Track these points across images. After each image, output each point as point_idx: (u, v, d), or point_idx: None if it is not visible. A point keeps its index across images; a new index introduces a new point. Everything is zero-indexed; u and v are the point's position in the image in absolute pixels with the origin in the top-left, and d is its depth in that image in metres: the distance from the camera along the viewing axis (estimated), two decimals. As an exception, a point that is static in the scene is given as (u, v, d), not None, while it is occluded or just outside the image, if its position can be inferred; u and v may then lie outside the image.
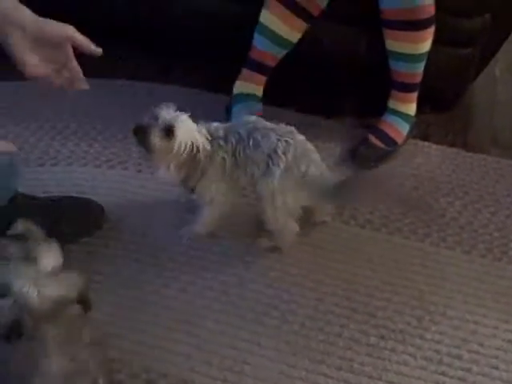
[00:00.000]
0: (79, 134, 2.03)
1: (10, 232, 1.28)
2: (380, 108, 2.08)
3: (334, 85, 2.18)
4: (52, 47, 1.25)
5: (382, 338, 1.58)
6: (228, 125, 1.65)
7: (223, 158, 1.61)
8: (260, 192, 1.64)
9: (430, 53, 1.95)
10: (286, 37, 1.99)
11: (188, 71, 2.26)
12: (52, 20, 1.23)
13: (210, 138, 1.59)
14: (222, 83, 2.11)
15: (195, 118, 1.59)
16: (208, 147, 1.59)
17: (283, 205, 1.62)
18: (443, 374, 1.52)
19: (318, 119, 2.15)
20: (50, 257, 1.25)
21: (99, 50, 1.29)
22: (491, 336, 1.60)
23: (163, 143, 1.53)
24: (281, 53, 2.03)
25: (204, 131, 1.59)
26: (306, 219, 1.73)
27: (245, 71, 2.08)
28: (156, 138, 1.53)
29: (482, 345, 1.58)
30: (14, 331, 1.12)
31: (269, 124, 1.64)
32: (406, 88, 2.03)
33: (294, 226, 1.69)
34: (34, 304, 1.13)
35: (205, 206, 1.71)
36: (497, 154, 2.10)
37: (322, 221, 1.81)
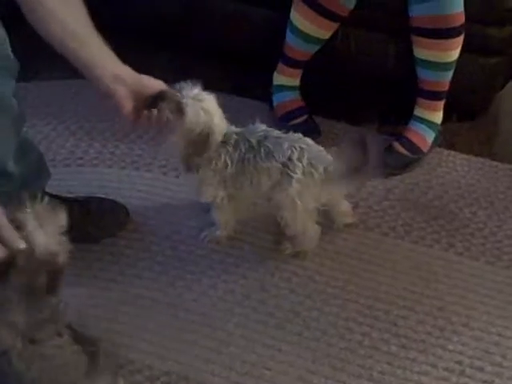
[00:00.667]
0: (106, 135, 2.05)
1: None
2: (406, 116, 2.07)
3: (361, 92, 2.18)
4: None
5: (403, 347, 1.57)
6: (241, 130, 1.62)
7: (225, 162, 1.59)
8: (278, 201, 1.63)
9: (458, 61, 1.94)
10: (315, 35, 2.00)
11: (216, 75, 2.27)
12: (145, 75, 1.43)
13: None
14: (250, 87, 2.13)
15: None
16: (234, 136, 1.58)
17: (303, 209, 1.62)
18: (465, 385, 1.51)
19: (344, 126, 2.14)
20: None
21: None
22: (514, 348, 1.59)
23: (173, 117, 1.51)
24: (313, 49, 2.05)
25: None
26: (329, 226, 1.73)
27: (280, 65, 2.13)
28: (168, 112, 1.50)
29: (504, 357, 1.56)
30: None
31: (279, 132, 1.64)
32: (433, 96, 2.02)
33: (316, 228, 1.69)
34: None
35: (212, 209, 1.71)
36: (523, 165, 2.08)
37: (344, 224, 1.80)
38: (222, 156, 1.59)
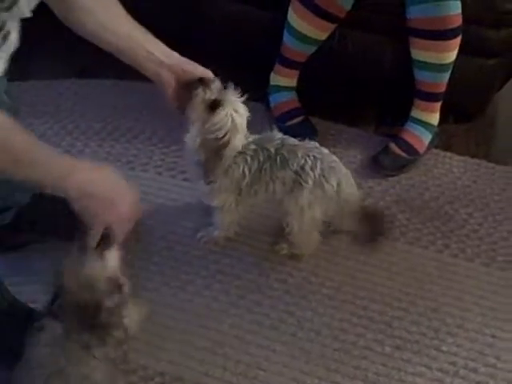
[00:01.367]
0: (102, 135, 2.05)
1: None
2: (403, 117, 2.07)
3: (358, 93, 2.18)
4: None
5: (398, 348, 1.58)
6: (258, 139, 1.62)
7: (243, 172, 1.60)
8: (287, 208, 1.64)
9: (456, 63, 1.94)
10: (312, 36, 2.00)
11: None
12: (192, 61, 1.47)
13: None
14: (246, 87, 2.12)
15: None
16: (252, 146, 1.58)
17: (311, 220, 1.63)
18: (459, 386, 1.52)
19: (341, 127, 2.15)
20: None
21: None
22: (508, 350, 1.59)
23: (202, 109, 1.51)
24: (310, 50, 2.05)
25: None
26: (326, 227, 1.73)
27: (277, 65, 2.13)
28: (201, 101, 1.50)
29: (498, 358, 1.57)
30: None
31: (295, 140, 1.64)
32: (430, 97, 2.02)
33: (317, 237, 1.70)
34: None
35: (216, 210, 1.71)
36: (519, 166, 2.08)
37: (341, 230, 1.80)
38: (241, 166, 1.59)
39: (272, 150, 1.60)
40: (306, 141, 1.65)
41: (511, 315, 1.65)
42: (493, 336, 1.61)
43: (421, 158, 2.05)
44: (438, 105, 2.05)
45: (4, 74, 1.37)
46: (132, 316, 1.29)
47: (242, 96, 1.53)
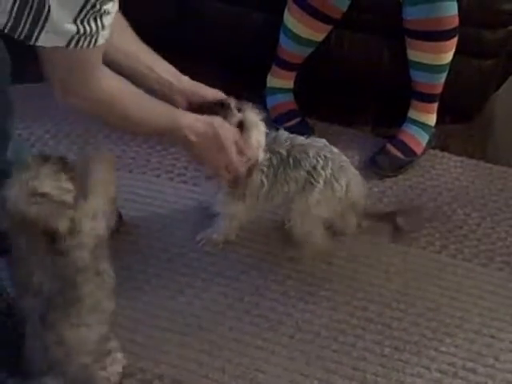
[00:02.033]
0: (99, 138, 2.05)
1: None
2: (400, 118, 2.08)
3: (355, 94, 2.19)
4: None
5: (397, 349, 1.57)
6: (268, 143, 1.61)
7: (261, 182, 1.60)
8: (295, 207, 1.64)
9: (452, 63, 1.94)
10: (308, 37, 2.01)
11: (209, 77, 2.27)
12: (202, 84, 1.52)
13: None
14: (243, 89, 2.12)
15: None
16: (267, 156, 1.59)
17: (317, 218, 1.63)
18: (458, 387, 1.51)
19: (338, 128, 2.15)
20: None
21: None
22: (507, 350, 1.58)
23: None
24: (306, 51, 2.05)
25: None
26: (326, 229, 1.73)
27: (274, 67, 2.13)
28: (230, 120, 1.50)
29: (497, 359, 1.56)
30: None
31: (302, 138, 1.64)
32: (427, 98, 2.02)
33: (323, 236, 1.69)
34: None
35: (223, 216, 1.71)
36: (517, 167, 2.08)
37: (342, 232, 1.79)
38: (258, 176, 1.60)
39: (284, 152, 1.60)
40: (313, 138, 1.66)
41: (510, 316, 1.65)
42: (492, 336, 1.61)
43: (418, 158, 2.05)
44: (435, 105, 2.05)
45: None
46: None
47: (259, 113, 1.56)
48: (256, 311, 1.63)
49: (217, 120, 1.45)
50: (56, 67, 1.20)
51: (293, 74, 2.12)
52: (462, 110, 2.18)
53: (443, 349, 1.58)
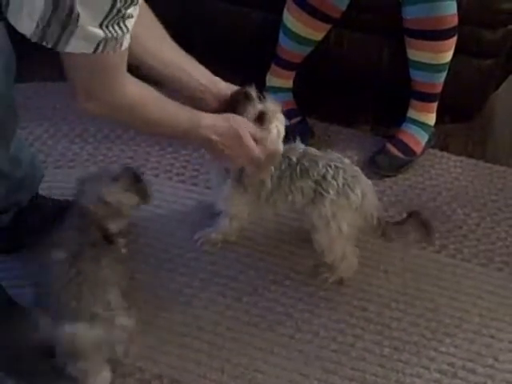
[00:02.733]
0: (98, 137, 2.05)
1: None
2: (399, 117, 2.07)
3: (354, 93, 2.18)
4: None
5: (396, 349, 1.57)
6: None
7: (262, 182, 1.58)
8: (311, 221, 1.60)
9: (452, 63, 1.94)
10: (307, 37, 2.00)
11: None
12: (231, 84, 1.53)
13: None
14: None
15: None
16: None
17: (338, 232, 1.58)
18: (457, 387, 1.51)
19: (338, 127, 2.15)
20: None
21: None
22: (507, 350, 1.58)
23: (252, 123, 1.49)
24: (306, 51, 2.05)
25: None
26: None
27: (273, 66, 2.12)
28: (249, 115, 1.48)
29: (496, 359, 1.56)
30: None
31: (317, 151, 1.62)
32: (426, 98, 2.02)
33: (354, 251, 1.66)
34: None
35: (224, 217, 1.70)
36: (516, 166, 2.08)
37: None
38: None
39: (294, 158, 1.58)
40: (328, 151, 1.63)
41: (509, 316, 1.65)
42: (491, 337, 1.60)
43: (418, 158, 2.05)
44: (435, 105, 2.04)
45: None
46: None
47: (279, 105, 1.54)
48: (255, 311, 1.62)
49: (232, 116, 1.46)
50: (80, 73, 1.20)
51: (292, 74, 2.12)
52: (461, 109, 2.18)
53: (443, 349, 1.57)
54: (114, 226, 1.44)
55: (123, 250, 1.47)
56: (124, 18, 1.12)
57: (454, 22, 1.86)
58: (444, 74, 1.96)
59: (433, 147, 2.09)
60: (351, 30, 2.08)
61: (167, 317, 1.60)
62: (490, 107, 2.26)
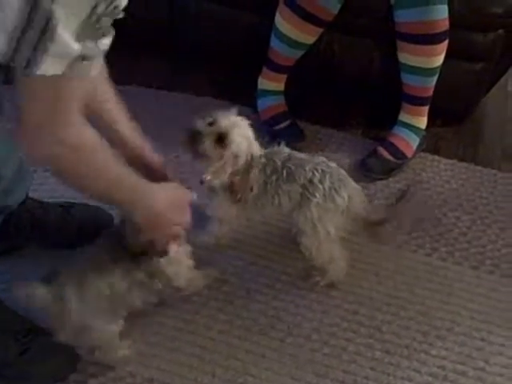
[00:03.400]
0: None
1: None
2: (390, 120, 2.08)
3: (345, 97, 2.19)
4: None
5: (387, 352, 1.57)
6: (266, 153, 1.59)
7: (251, 187, 1.57)
8: (298, 225, 1.60)
9: (443, 67, 1.94)
10: (299, 40, 2.00)
11: (200, 79, 2.27)
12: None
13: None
14: (234, 92, 2.13)
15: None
16: (262, 160, 1.56)
17: (325, 236, 1.58)
18: (448, 390, 1.51)
19: (329, 130, 2.15)
20: None
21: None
22: (497, 353, 1.59)
23: (216, 151, 1.49)
24: (297, 54, 2.05)
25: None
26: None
27: (265, 70, 2.12)
28: (209, 146, 1.48)
29: (487, 362, 1.57)
30: None
31: (303, 155, 1.62)
32: (418, 101, 2.02)
33: (343, 254, 1.66)
34: None
35: (214, 219, 1.70)
36: (507, 169, 2.08)
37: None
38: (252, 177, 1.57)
39: (278, 162, 1.57)
40: (315, 156, 1.62)
41: (500, 318, 1.66)
42: (482, 339, 1.61)
43: (409, 161, 2.05)
44: (426, 108, 2.05)
45: None
46: (180, 270, 1.49)
47: (232, 112, 1.52)
48: (246, 314, 1.62)
49: (174, 186, 1.39)
50: (37, 103, 1.09)
51: (284, 77, 2.12)
52: (452, 113, 2.19)
53: (434, 352, 1.58)
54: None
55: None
56: (102, 34, 1.05)
57: (446, 26, 1.87)
58: (435, 78, 1.97)
59: (424, 150, 2.09)
60: (343, 33, 2.08)
61: (158, 320, 1.59)
62: (481, 111, 2.26)
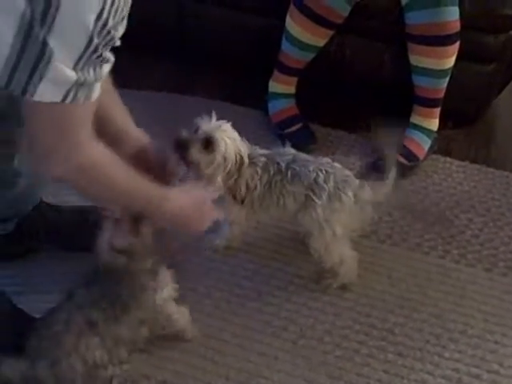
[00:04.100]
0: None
1: None
2: (402, 123, 2.07)
3: (356, 99, 2.18)
4: None
5: (400, 355, 1.57)
6: (269, 153, 1.60)
7: (254, 185, 1.58)
8: (305, 226, 1.61)
9: (454, 68, 1.94)
10: (310, 43, 2.00)
11: (211, 83, 2.27)
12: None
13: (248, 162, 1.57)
14: (245, 95, 2.14)
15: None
16: (262, 159, 1.57)
17: (333, 236, 1.59)
18: (462, 393, 1.51)
19: (340, 133, 2.15)
20: None
21: None
22: (511, 356, 1.58)
23: (204, 157, 1.50)
24: (308, 57, 2.05)
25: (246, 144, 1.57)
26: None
27: (276, 73, 2.13)
28: (196, 153, 1.49)
29: (501, 365, 1.56)
30: None
31: (307, 156, 1.62)
32: (429, 103, 2.02)
33: (353, 255, 1.66)
34: None
35: (225, 223, 1.70)
36: (519, 171, 2.08)
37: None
38: (251, 177, 1.58)
39: (283, 164, 1.58)
40: (319, 157, 1.63)
41: (514, 321, 1.65)
42: (496, 342, 1.60)
43: (420, 163, 2.04)
44: (438, 110, 2.05)
45: None
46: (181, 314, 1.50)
47: (214, 118, 1.53)
48: (259, 317, 1.62)
49: (192, 190, 1.42)
50: (42, 127, 1.10)
51: (295, 80, 2.12)
52: (464, 114, 2.18)
53: (447, 355, 1.57)
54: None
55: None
56: (101, 61, 1.05)
57: (457, 27, 1.87)
58: (446, 80, 1.97)
59: (436, 152, 2.09)
60: (353, 35, 2.09)
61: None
62: (493, 112, 2.26)
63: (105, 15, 0.99)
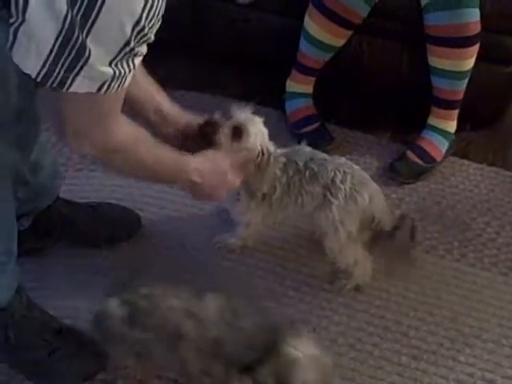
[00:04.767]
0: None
1: None
2: (419, 124, 2.06)
3: (374, 100, 2.17)
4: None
5: (414, 358, 1.56)
6: (287, 152, 1.60)
7: (274, 187, 1.58)
8: (320, 226, 1.61)
9: (474, 70, 1.93)
10: (328, 42, 2.00)
11: (229, 81, 2.27)
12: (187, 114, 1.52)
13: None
14: (263, 94, 2.14)
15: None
16: (282, 159, 1.58)
17: (347, 237, 1.59)
18: (476, 398, 1.50)
19: (357, 133, 2.14)
20: None
21: None
22: (526, 361, 1.57)
23: (230, 143, 1.50)
24: (326, 56, 2.05)
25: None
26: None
27: (294, 72, 2.12)
28: (223, 137, 1.49)
29: (516, 370, 1.55)
30: None
31: (325, 155, 1.62)
32: (447, 105, 2.01)
33: (367, 257, 1.65)
34: None
35: (241, 222, 1.70)
36: (537, 175, 2.06)
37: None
38: (273, 176, 1.58)
39: (301, 163, 1.58)
40: (336, 156, 1.63)
41: (529, 326, 1.64)
42: (511, 347, 1.59)
43: (438, 165, 2.03)
44: (456, 112, 2.03)
45: None
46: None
47: (249, 104, 1.53)
48: (273, 317, 1.61)
49: (213, 155, 1.46)
50: (75, 112, 1.15)
51: (312, 79, 2.12)
52: (482, 116, 2.17)
53: (461, 359, 1.56)
54: None
55: None
56: (134, 55, 1.08)
57: (477, 28, 1.85)
58: (465, 81, 1.95)
59: (453, 155, 2.08)
60: (372, 36, 2.08)
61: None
62: (511, 114, 2.24)
63: (142, 22, 1.03)
